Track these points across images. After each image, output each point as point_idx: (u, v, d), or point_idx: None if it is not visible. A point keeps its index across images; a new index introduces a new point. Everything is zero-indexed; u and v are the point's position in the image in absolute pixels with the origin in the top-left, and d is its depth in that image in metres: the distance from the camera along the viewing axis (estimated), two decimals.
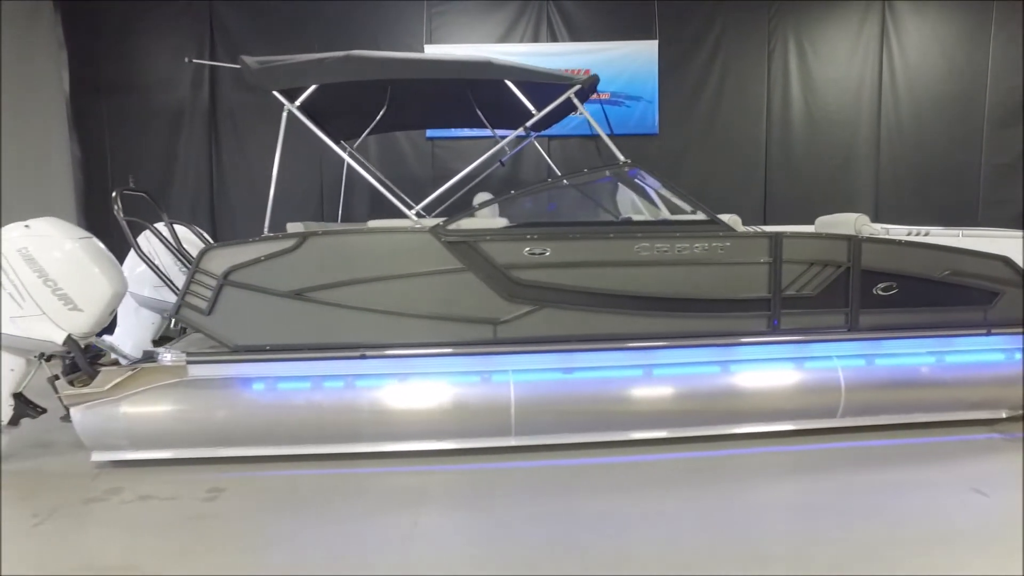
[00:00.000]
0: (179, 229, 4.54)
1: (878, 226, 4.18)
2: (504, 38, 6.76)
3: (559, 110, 4.94)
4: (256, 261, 3.62)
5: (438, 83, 4.56)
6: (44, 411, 3.88)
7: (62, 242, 3.70)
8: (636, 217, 4.27)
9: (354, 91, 4.71)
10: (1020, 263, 4.03)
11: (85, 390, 3.67)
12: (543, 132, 5.99)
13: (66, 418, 3.90)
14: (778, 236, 3.91)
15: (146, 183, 6.83)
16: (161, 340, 5.09)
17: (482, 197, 5.19)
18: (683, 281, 3.88)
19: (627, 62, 6.65)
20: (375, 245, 3.72)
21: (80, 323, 3.70)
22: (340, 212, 5.73)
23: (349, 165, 5.94)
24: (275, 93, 3.75)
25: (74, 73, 6.81)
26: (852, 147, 6.80)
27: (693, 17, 6.73)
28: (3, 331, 3.59)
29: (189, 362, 3.68)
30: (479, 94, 5.14)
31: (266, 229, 3.80)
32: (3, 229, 3.73)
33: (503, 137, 6.07)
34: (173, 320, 4.65)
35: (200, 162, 6.90)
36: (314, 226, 4.23)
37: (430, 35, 6.77)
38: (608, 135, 4.11)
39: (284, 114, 3.76)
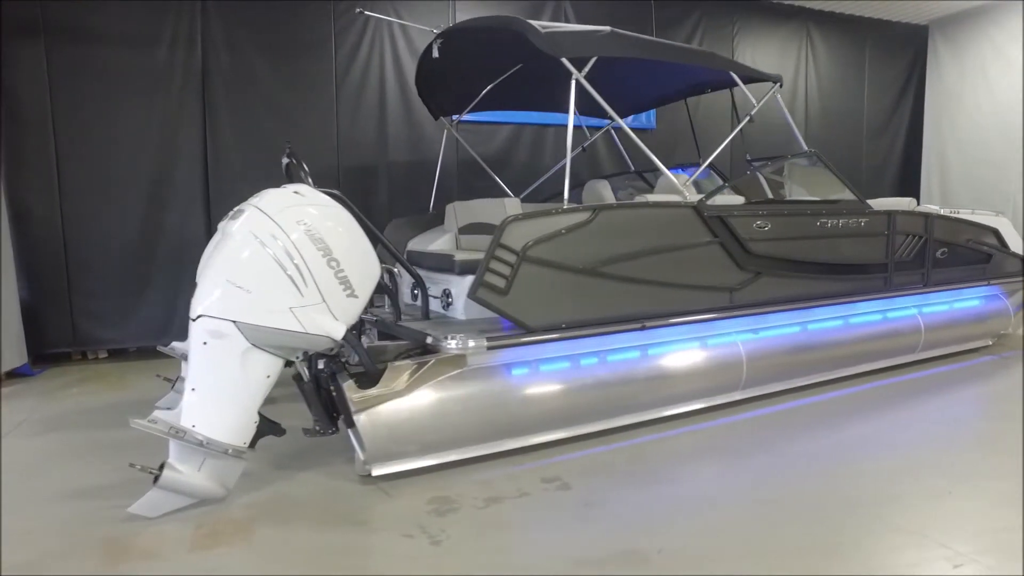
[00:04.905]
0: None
1: (932, 207, 5.47)
2: None
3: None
4: (556, 235, 3.41)
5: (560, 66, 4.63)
6: (284, 429, 3.12)
7: (338, 212, 3.05)
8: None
9: (457, 67, 4.59)
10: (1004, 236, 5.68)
11: (375, 392, 3.08)
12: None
13: (311, 431, 3.21)
14: (892, 213, 4.91)
15: (111, 148, 5.43)
16: None
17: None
18: (840, 249, 4.65)
19: None
20: (653, 219, 3.77)
21: (353, 312, 3.08)
22: (434, 193, 5.32)
23: (446, 144, 5.60)
24: (563, 61, 3.54)
25: None
26: (789, 149, 8.32)
27: (682, 27, 7.59)
28: (274, 326, 2.83)
29: (489, 347, 3.31)
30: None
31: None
32: (269, 196, 2.93)
33: (591, 126, 6.25)
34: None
35: (192, 129, 5.67)
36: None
37: (454, 20, 6.53)
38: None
39: (572, 83, 3.56)
